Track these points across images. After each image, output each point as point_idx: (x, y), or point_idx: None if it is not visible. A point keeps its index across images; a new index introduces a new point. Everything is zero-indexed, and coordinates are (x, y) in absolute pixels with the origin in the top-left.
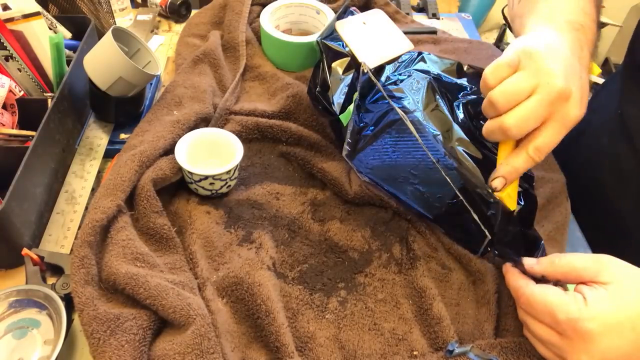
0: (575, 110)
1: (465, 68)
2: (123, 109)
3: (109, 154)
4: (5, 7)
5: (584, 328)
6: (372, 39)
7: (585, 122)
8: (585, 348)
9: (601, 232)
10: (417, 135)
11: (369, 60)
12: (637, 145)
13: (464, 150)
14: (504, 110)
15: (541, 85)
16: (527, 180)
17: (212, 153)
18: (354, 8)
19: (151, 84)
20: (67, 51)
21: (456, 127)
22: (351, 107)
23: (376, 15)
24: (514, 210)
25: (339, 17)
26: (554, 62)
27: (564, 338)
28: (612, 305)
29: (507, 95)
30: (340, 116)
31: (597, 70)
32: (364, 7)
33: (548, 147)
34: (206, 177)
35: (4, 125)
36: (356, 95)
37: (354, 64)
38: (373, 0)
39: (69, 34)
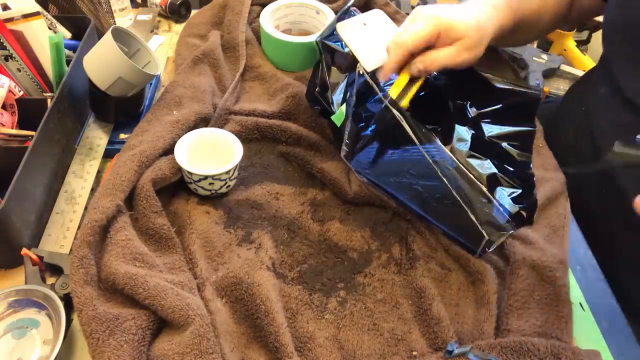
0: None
1: None
2: (123, 109)
3: (108, 154)
4: (5, 7)
5: None
6: (373, 40)
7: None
8: None
9: (597, 230)
10: (412, 136)
11: (369, 62)
12: (596, 141)
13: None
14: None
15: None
16: (526, 180)
17: (211, 153)
18: (355, 8)
19: (151, 84)
20: (67, 51)
21: (457, 127)
22: (343, 108)
23: (376, 16)
24: (407, 108)
25: (339, 18)
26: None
27: None
28: None
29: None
30: (332, 117)
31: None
32: (364, 7)
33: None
34: (205, 177)
35: (3, 125)
36: (348, 96)
37: (353, 65)
38: (373, 1)
39: (68, 34)
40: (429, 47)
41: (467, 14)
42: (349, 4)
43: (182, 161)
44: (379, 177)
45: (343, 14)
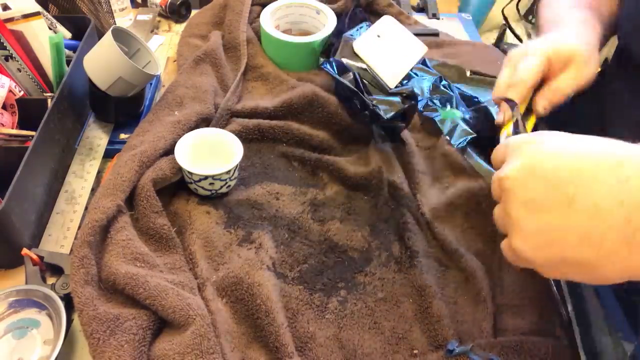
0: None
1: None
2: (123, 109)
3: (108, 154)
4: (5, 7)
5: (523, 138)
6: (390, 52)
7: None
8: (517, 157)
9: None
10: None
11: (391, 79)
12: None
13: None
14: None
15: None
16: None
17: (212, 153)
18: (360, 9)
19: (151, 84)
20: (67, 51)
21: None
22: None
23: (388, 25)
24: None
25: (347, 25)
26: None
27: (503, 165)
28: (559, 134)
29: None
30: None
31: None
32: (367, 8)
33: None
34: (206, 177)
35: (3, 125)
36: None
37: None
38: (376, 2)
39: (68, 34)
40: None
41: (566, 36)
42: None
43: (182, 161)
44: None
45: (349, 22)
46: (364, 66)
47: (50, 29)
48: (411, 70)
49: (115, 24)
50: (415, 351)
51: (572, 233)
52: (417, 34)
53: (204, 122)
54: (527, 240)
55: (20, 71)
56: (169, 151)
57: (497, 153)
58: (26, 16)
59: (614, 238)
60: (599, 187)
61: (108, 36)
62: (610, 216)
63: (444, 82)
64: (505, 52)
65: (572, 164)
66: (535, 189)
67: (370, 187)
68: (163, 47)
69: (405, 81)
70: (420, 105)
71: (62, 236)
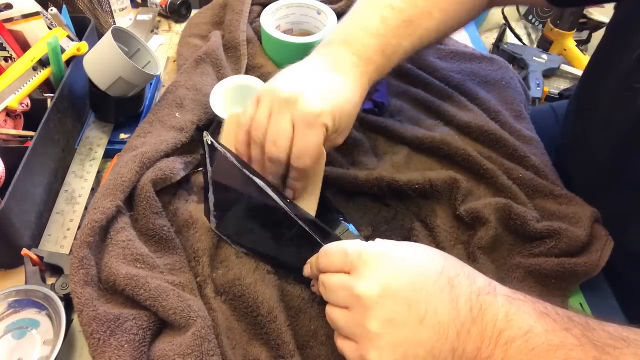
0: (310, 104)
1: None
2: (123, 109)
3: (108, 154)
4: (8, 7)
5: (369, 252)
6: None
7: None
8: (371, 275)
9: None
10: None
11: None
12: None
13: None
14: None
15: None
16: None
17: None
18: None
19: (151, 84)
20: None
21: None
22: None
23: None
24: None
25: None
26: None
27: (353, 276)
28: (396, 245)
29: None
30: None
31: None
32: None
33: (305, 151)
34: None
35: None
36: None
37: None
38: None
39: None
40: None
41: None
42: None
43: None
44: (250, 242)
45: None
46: None
47: (50, 28)
48: None
49: (115, 24)
50: None
51: (423, 347)
52: None
53: (205, 126)
54: (383, 354)
55: None
56: (170, 154)
57: (332, 257)
58: (26, 16)
59: (447, 349)
60: (441, 307)
61: (108, 36)
62: (447, 331)
63: None
64: (505, 52)
65: (421, 283)
66: (394, 309)
67: (373, 189)
68: (163, 47)
69: None
70: None
71: (62, 236)
